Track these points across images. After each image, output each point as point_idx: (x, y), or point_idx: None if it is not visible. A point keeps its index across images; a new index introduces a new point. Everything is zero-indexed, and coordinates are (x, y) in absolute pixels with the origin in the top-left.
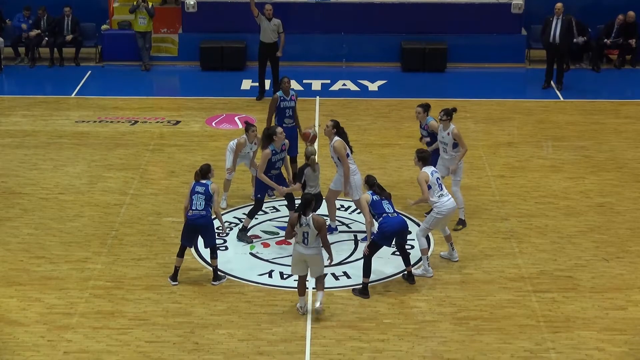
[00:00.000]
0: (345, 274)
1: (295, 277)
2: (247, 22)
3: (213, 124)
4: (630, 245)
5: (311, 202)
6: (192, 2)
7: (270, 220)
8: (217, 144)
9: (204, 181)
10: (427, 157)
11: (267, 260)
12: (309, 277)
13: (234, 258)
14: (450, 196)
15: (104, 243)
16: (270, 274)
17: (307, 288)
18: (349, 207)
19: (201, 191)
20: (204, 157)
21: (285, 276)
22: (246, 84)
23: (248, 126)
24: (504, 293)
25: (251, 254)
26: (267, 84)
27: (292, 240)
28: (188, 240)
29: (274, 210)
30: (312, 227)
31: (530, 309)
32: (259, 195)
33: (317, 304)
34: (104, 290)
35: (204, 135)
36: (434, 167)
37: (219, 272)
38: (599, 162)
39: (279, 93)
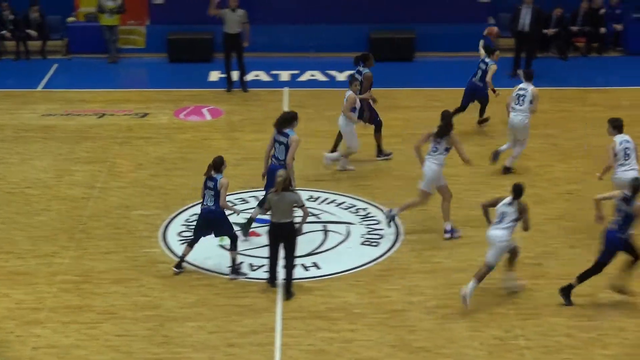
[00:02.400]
0: (315, 264)
1: (265, 268)
2: None
3: (181, 115)
4: (598, 232)
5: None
6: None
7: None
8: (185, 136)
9: (215, 175)
10: (619, 125)
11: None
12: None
13: (204, 250)
14: (633, 167)
15: (71, 237)
16: (239, 265)
17: (277, 280)
18: (318, 197)
19: (211, 186)
20: (172, 150)
21: (254, 268)
22: (214, 75)
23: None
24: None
25: (220, 246)
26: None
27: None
28: (201, 231)
29: (244, 202)
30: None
31: (500, 297)
32: None
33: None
34: (72, 285)
35: (172, 127)
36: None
37: (237, 269)
38: (567, 149)
39: (369, 71)
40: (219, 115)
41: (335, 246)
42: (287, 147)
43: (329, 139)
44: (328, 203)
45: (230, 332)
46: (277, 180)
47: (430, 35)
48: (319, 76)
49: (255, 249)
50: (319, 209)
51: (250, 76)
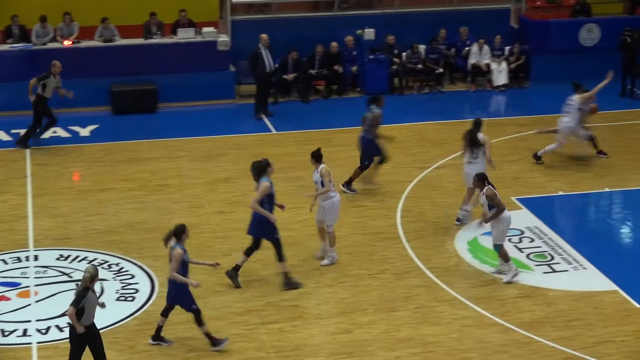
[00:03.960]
0: (69, 325)
1: (19, 332)
2: None
3: None
4: (351, 270)
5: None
6: None
7: None
8: None
9: (173, 243)
10: None
11: None
12: None
13: None
14: None
15: None
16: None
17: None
18: (68, 256)
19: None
20: None
21: (6, 333)
22: None
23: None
24: (233, 328)
25: None
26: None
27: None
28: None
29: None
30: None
31: (260, 341)
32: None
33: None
34: None
35: None
36: None
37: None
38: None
39: (378, 109)
40: None
41: None
42: None
43: (73, 195)
44: (79, 261)
45: None
46: (84, 276)
47: (172, 85)
48: (61, 132)
49: (5, 314)
50: (70, 268)
51: None
